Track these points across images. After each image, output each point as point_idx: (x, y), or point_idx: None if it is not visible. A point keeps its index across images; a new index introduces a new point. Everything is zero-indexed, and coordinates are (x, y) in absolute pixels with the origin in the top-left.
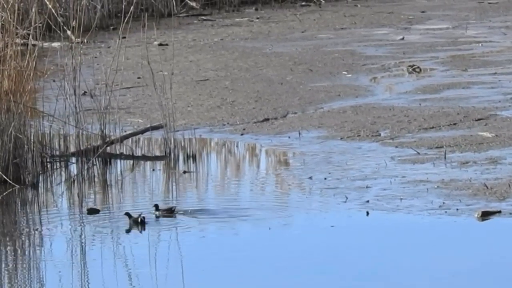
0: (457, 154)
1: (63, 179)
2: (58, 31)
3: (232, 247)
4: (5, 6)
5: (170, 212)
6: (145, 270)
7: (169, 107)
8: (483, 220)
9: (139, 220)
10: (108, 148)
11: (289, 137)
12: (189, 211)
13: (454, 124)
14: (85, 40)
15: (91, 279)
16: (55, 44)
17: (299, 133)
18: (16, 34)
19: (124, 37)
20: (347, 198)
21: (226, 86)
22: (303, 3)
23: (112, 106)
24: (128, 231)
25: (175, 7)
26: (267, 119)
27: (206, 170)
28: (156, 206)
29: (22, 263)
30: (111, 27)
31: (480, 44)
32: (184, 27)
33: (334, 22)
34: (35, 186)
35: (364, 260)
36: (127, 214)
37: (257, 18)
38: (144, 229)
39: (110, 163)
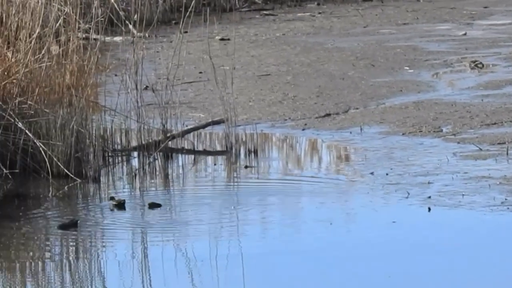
0: None
1: (125, 173)
2: (120, 25)
3: (294, 243)
4: (67, 0)
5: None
6: (207, 264)
7: (230, 102)
8: None
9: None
10: (170, 142)
11: (350, 133)
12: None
13: None
14: (147, 35)
15: (154, 278)
16: (117, 39)
17: (361, 129)
18: (78, 28)
19: (186, 32)
20: (408, 193)
21: (287, 81)
22: None
23: (173, 101)
24: (188, 224)
25: (237, 2)
26: (328, 114)
27: (267, 165)
28: (112, 198)
29: (84, 257)
30: (173, 22)
31: None
32: (246, 22)
33: (396, 17)
34: (96, 180)
35: (425, 256)
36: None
37: (319, 13)
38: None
39: (172, 158)
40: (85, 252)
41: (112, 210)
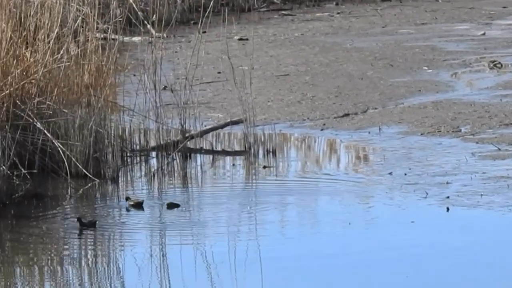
0: None
1: (143, 173)
2: (139, 26)
3: (312, 244)
4: (86, 0)
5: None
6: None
7: (249, 102)
8: None
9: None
10: (188, 142)
11: (369, 133)
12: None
13: None
14: (166, 35)
15: (173, 278)
16: (136, 39)
17: (379, 129)
18: (97, 28)
19: (205, 32)
20: (427, 193)
21: (306, 81)
22: None
23: (192, 101)
24: (207, 224)
25: (255, 2)
26: (347, 114)
27: (285, 165)
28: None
29: (102, 256)
30: (192, 22)
31: None
32: (264, 22)
33: (414, 17)
34: (115, 180)
35: (443, 256)
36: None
37: (338, 13)
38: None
39: (190, 158)
40: (103, 252)
41: (128, 210)
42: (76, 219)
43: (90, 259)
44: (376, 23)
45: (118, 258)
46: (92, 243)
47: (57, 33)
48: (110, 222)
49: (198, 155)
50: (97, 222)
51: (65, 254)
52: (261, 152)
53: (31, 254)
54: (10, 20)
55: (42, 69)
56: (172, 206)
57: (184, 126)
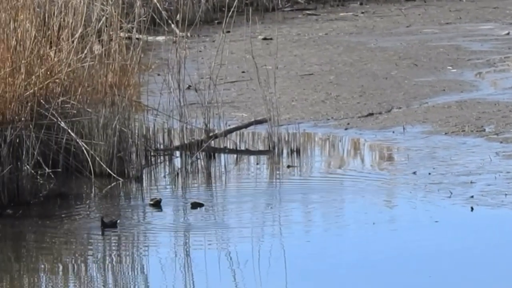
0: None
1: (167, 173)
2: (163, 25)
3: (335, 244)
4: (110, 0)
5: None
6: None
7: (273, 102)
8: None
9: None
10: (212, 142)
11: (393, 132)
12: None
13: None
14: (190, 34)
15: (196, 277)
16: (160, 38)
17: (404, 128)
18: (121, 28)
19: (229, 31)
20: (451, 193)
21: (330, 81)
22: None
23: (216, 100)
24: (230, 223)
25: (279, 2)
26: (371, 114)
27: (309, 165)
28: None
29: (126, 256)
30: (216, 21)
31: None
32: (288, 21)
33: (439, 17)
34: (139, 179)
35: (467, 256)
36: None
37: (362, 12)
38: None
39: (214, 157)
40: (127, 252)
41: (148, 209)
42: (99, 219)
43: (113, 259)
44: (400, 22)
45: (142, 258)
46: (115, 243)
47: (81, 32)
48: (133, 221)
49: (222, 155)
50: (118, 221)
51: (88, 254)
52: (285, 151)
53: (55, 253)
54: (34, 20)
55: (66, 68)
56: (196, 205)
57: (208, 125)
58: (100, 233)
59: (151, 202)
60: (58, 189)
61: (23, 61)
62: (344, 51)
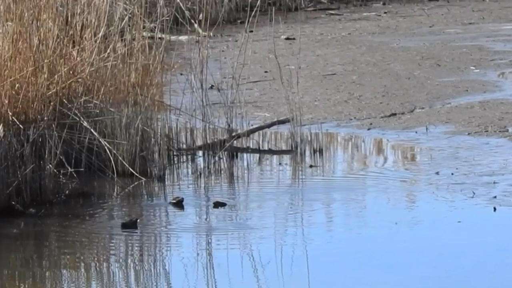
0: None
1: (190, 172)
2: (186, 25)
3: (358, 244)
4: None
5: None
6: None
7: (296, 101)
8: None
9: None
10: (235, 141)
11: (416, 132)
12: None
13: None
14: (212, 34)
15: (219, 277)
16: (182, 38)
17: (426, 128)
18: (143, 27)
19: (252, 31)
20: (474, 193)
21: (353, 81)
22: None
23: (239, 100)
24: (253, 223)
25: (302, 1)
26: (394, 114)
27: (332, 165)
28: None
29: (148, 256)
30: (238, 21)
31: None
32: (311, 21)
33: (462, 17)
34: (161, 179)
35: (490, 256)
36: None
37: (385, 12)
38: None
39: (237, 157)
40: (149, 252)
41: (170, 208)
42: (118, 218)
43: (135, 259)
44: (423, 22)
45: (164, 257)
46: (137, 242)
47: (104, 32)
48: (156, 221)
49: (245, 154)
50: (138, 220)
51: (109, 254)
52: (307, 151)
53: (77, 252)
54: (57, 19)
55: (88, 68)
56: (218, 205)
57: (230, 125)
58: (121, 232)
59: (173, 201)
60: (81, 188)
61: (45, 61)
62: (367, 51)
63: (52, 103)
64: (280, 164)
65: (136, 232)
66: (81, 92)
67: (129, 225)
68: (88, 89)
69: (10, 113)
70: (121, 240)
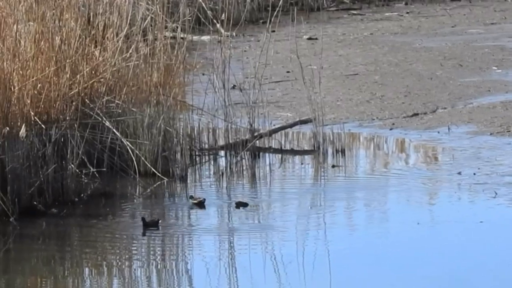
0: None
1: (212, 172)
2: (208, 25)
3: (380, 245)
4: None
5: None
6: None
7: (318, 101)
8: None
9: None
10: (257, 141)
11: (438, 132)
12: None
13: None
14: (235, 34)
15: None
16: (205, 38)
17: (449, 128)
18: (166, 27)
19: (274, 31)
20: (496, 193)
21: (375, 81)
22: None
23: (261, 100)
24: (275, 223)
25: (325, 1)
26: (416, 114)
27: (354, 165)
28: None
29: (170, 255)
30: (261, 21)
31: None
32: (333, 21)
33: (484, 17)
34: (183, 179)
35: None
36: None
37: (407, 12)
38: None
39: (259, 157)
40: (171, 251)
41: (191, 208)
42: (140, 219)
43: (157, 258)
44: (445, 23)
45: (186, 258)
46: (160, 242)
47: (126, 32)
48: (178, 221)
49: (267, 154)
50: (159, 220)
51: (131, 253)
52: (330, 151)
53: (99, 252)
54: (79, 19)
55: (111, 68)
56: (240, 205)
57: (253, 125)
58: (142, 232)
59: (195, 202)
60: (103, 188)
61: (68, 61)
62: (389, 51)
63: (74, 103)
64: (302, 164)
65: (158, 232)
66: (103, 92)
67: (151, 225)
68: (110, 89)
69: (32, 113)
70: (143, 240)
